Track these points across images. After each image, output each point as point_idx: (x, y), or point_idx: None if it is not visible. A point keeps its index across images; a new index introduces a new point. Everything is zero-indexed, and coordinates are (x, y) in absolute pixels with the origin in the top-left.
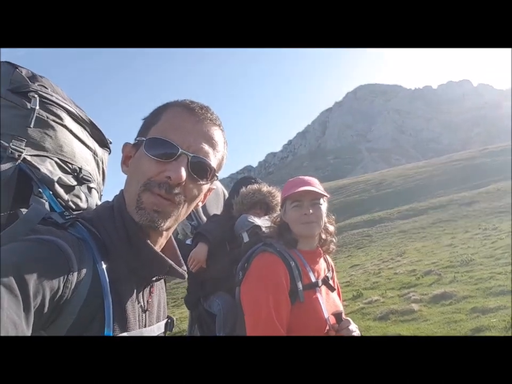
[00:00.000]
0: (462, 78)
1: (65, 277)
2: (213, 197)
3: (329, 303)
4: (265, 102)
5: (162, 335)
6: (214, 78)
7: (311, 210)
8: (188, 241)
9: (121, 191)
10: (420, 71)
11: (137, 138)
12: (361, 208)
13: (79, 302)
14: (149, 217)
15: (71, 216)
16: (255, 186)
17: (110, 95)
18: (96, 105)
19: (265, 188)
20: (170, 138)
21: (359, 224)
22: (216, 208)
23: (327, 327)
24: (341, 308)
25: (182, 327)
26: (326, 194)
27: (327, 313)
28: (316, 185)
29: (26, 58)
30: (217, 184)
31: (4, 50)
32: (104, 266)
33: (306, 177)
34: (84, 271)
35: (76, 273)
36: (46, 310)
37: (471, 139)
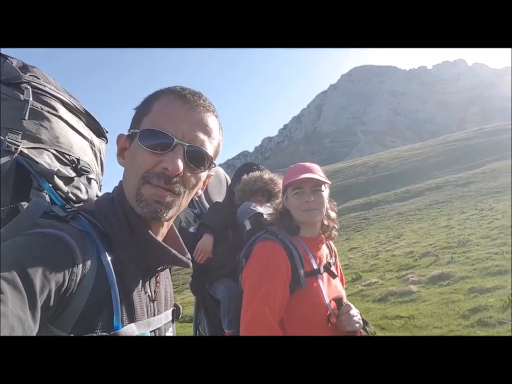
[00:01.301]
0: (457, 58)
1: (70, 270)
2: (215, 183)
3: (331, 289)
4: (259, 86)
5: (170, 323)
6: (208, 63)
7: (312, 198)
8: (191, 229)
9: (120, 183)
10: (414, 51)
11: (131, 130)
12: (358, 191)
13: (85, 294)
14: (151, 209)
15: (72, 209)
16: (257, 173)
17: (103, 84)
18: (90, 94)
19: (267, 175)
20: (164, 128)
21: (356, 207)
22: (219, 195)
23: (328, 313)
24: (343, 293)
25: (184, 312)
26: (327, 181)
27: (328, 299)
28: (317, 172)
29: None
30: (219, 171)
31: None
32: (108, 258)
33: (307, 164)
34: (89, 263)
35: (80, 266)
36: (52, 304)
37: (466, 119)
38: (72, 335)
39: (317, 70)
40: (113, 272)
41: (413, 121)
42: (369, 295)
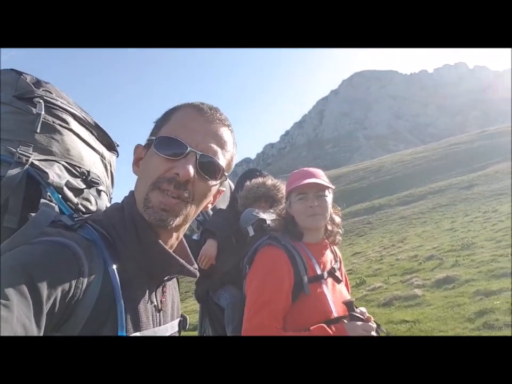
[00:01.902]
0: (458, 61)
1: (76, 278)
2: None
3: (336, 294)
4: (260, 93)
5: (176, 333)
6: (207, 69)
7: (316, 203)
8: (195, 237)
9: (131, 192)
10: (415, 55)
11: (148, 139)
12: (361, 196)
13: (90, 302)
14: (157, 216)
15: (80, 218)
16: (260, 179)
17: (114, 98)
18: (101, 108)
19: (269, 181)
20: (179, 137)
21: (359, 212)
22: (223, 202)
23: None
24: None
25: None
26: (331, 186)
27: (333, 305)
28: (321, 177)
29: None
30: None
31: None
32: (114, 267)
33: (311, 169)
34: (95, 271)
35: (86, 274)
36: (57, 311)
37: (468, 122)
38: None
39: (318, 75)
40: (118, 281)
41: (415, 125)
42: (374, 299)
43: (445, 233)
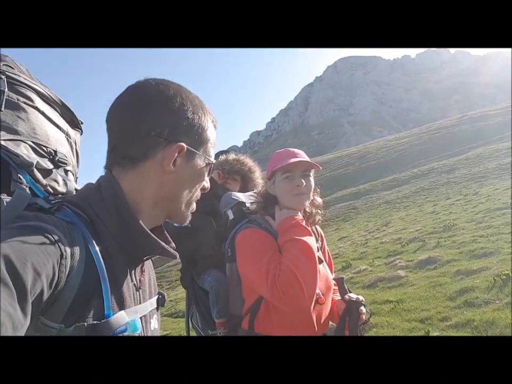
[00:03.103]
0: None
1: (59, 262)
2: None
3: (319, 273)
4: (246, 80)
5: (155, 310)
6: (194, 58)
7: (303, 181)
8: (176, 224)
9: (109, 173)
10: None
11: (203, 153)
12: (347, 182)
13: (74, 285)
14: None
15: (56, 200)
16: (221, 158)
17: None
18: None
19: (231, 156)
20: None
21: (345, 198)
22: None
23: (315, 296)
24: (330, 277)
25: (178, 308)
26: (317, 165)
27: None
28: (305, 157)
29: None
30: None
31: None
32: (96, 248)
33: (295, 149)
34: (77, 254)
35: (68, 257)
36: (42, 297)
37: (449, 106)
38: (63, 325)
39: (302, 61)
40: (102, 261)
41: (398, 111)
42: (359, 282)
43: (427, 216)
